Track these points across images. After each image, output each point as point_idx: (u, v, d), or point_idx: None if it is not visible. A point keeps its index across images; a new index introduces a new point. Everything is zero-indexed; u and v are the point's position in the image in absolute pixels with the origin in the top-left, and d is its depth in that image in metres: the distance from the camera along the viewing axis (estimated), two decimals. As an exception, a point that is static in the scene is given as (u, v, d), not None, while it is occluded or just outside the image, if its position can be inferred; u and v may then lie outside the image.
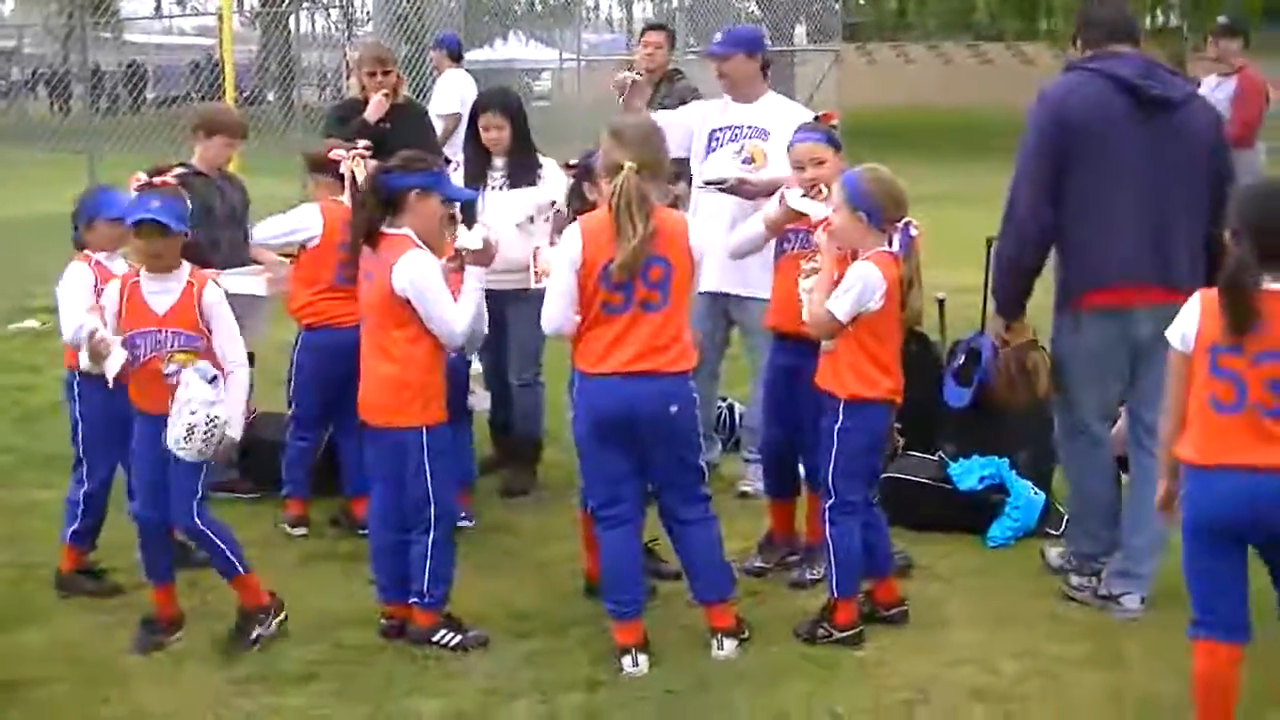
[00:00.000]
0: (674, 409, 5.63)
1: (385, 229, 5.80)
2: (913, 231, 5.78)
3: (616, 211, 5.48)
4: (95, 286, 6.20)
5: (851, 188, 5.84)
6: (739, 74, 7.72)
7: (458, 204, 6.80)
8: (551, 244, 6.80)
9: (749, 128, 7.68)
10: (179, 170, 6.02)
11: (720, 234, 6.83)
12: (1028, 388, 6.44)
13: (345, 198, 7.05)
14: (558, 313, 5.70)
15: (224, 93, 15.41)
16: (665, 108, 10.19)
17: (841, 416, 5.87)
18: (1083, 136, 6.03)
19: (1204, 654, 4.78)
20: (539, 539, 7.27)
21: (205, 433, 5.62)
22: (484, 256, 5.97)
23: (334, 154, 7.13)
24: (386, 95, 8.70)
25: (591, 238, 5.59)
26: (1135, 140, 6.05)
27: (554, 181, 7.69)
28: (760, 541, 6.81)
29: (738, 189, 7.40)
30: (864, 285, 5.72)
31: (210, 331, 5.78)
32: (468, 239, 5.97)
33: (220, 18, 27.58)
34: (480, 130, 7.70)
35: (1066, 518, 7.14)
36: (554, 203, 7.43)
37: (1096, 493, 6.50)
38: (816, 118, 6.74)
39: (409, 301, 5.71)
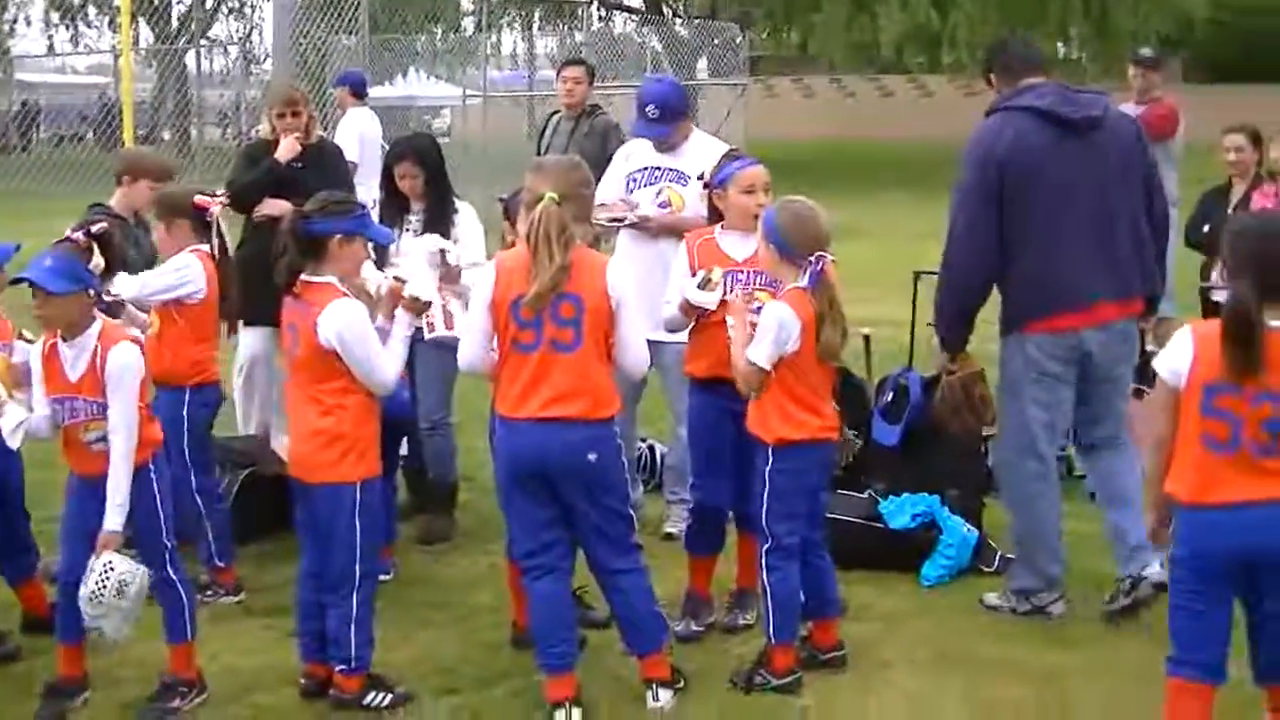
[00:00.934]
0: (593, 457, 5.43)
1: (307, 276, 5.55)
2: (819, 265, 5.63)
3: (534, 241, 5.31)
4: None
5: (767, 221, 5.77)
6: (681, 136, 7.57)
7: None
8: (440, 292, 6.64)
9: (668, 170, 7.56)
10: (100, 224, 5.70)
11: (638, 276, 6.66)
12: (974, 416, 6.51)
13: (209, 247, 6.67)
14: (471, 350, 5.57)
15: (122, 131, 15.09)
16: (587, 143, 10.13)
17: (771, 459, 5.73)
18: (1018, 172, 6.17)
19: (1181, 693, 4.66)
20: (460, 588, 7.04)
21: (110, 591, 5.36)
22: (426, 308, 5.80)
23: (200, 200, 6.76)
24: (298, 137, 8.45)
25: (505, 273, 5.43)
26: (1067, 164, 6.21)
27: (468, 226, 7.54)
28: (683, 604, 6.51)
29: (639, 225, 7.39)
30: (779, 326, 5.59)
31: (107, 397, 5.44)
32: (421, 289, 5.75)
33: (117, 56, 27.16)
34: (396, 178, 7.54)
35: (1000, 555, 7.06)
36: (443, 250, 7.12)
37: (1043, 521, 6.50)
38: (732, 152, 6.64)
39: (337, 353, 5.46)
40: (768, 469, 5.73)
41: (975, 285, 6.32)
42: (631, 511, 5.68)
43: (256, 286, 8.16)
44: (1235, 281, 4.50)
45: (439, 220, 7.49)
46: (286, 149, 8.35)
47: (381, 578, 6.45)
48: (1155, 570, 6.20)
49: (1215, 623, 4.63)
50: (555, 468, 5.42)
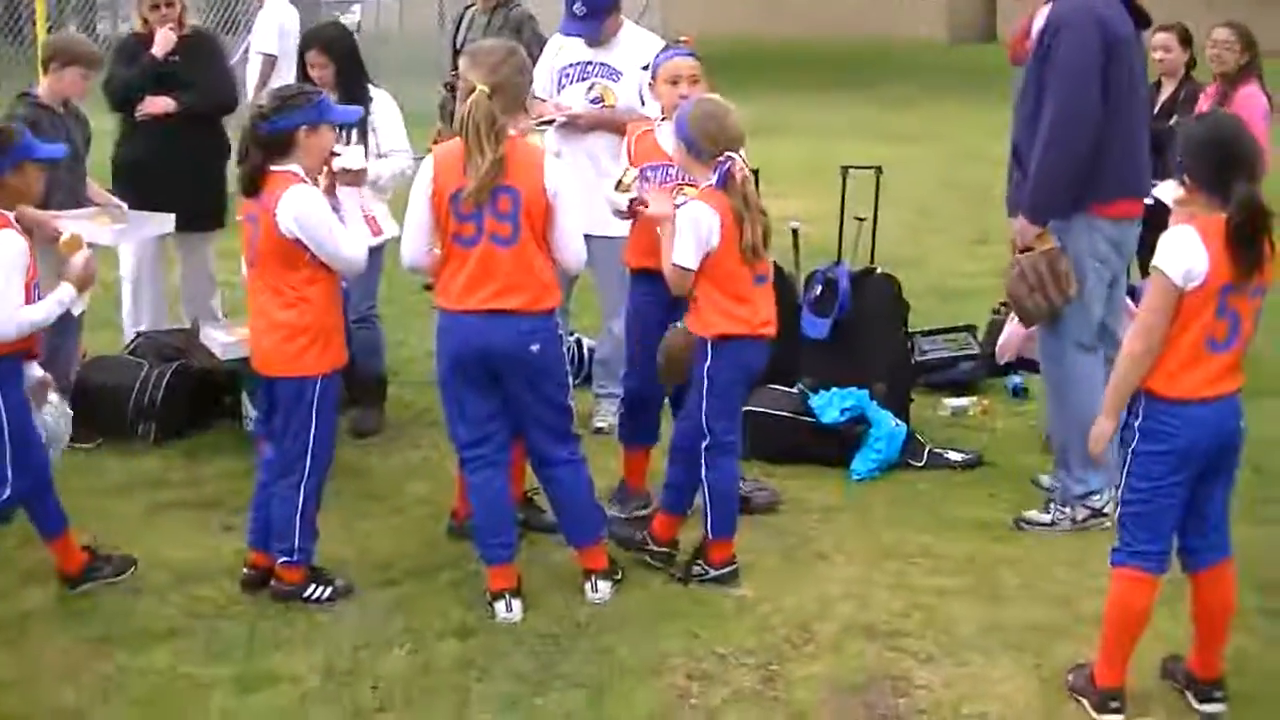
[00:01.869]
0: (535, 348, 5.45)
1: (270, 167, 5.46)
2: (727, 165, 5.62)
3: (465, 135, 5.28)
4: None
5: (679, 118, 5.76)
6: (611, 30, 7.44)
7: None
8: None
9: (600, 65, 7.48)
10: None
11: (575, 171, 6.63)
12: (1059, 293, 6.21)
13: None
14: (413, 246, 5.52)
15: (27, 25, 14.82)
16: (502, 36, 10.02)
17: (710, 356, 5.73)
18: (1115, 50, 6.16)
19: (1135, 584, 4.71)
20: (393, 482, 7.05)
21: None
22: (360, 178, 5.73)
23: None
24: (172, 28, 8.22)
25: (443, 166, 5.41)
26: (1136, 55, 6.37)
27: (385, 113, 7.50)
28: (614, 492, 6.57)
29: (571, 124, 7.34)
30: (695, 225, 5.59)
31: None
32: (351, 159, 5.70)
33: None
34: (307, 68, 7.47)
35: (928, 450, 7.15)
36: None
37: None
38: (677, 41, 6.56)
39: (298, 240, 5.39)
40: (706, 366, 5.73)
41: (1085, 148, 6.11)
42: (571, 403, 5.69)
43: (140, 188, 7.98)
44: (1233, 183, 4.45)
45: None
46: (163, 42, 8.07)
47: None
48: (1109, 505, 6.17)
49: (1176, 514, 4.70)
50: (499, 359, 5.43)
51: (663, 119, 6.26)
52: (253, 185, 5.46)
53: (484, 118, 5.26)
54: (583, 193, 5.99)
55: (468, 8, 11.18)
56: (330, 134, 5.62)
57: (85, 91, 7.38)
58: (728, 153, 5.62)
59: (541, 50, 7.85)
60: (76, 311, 5.76)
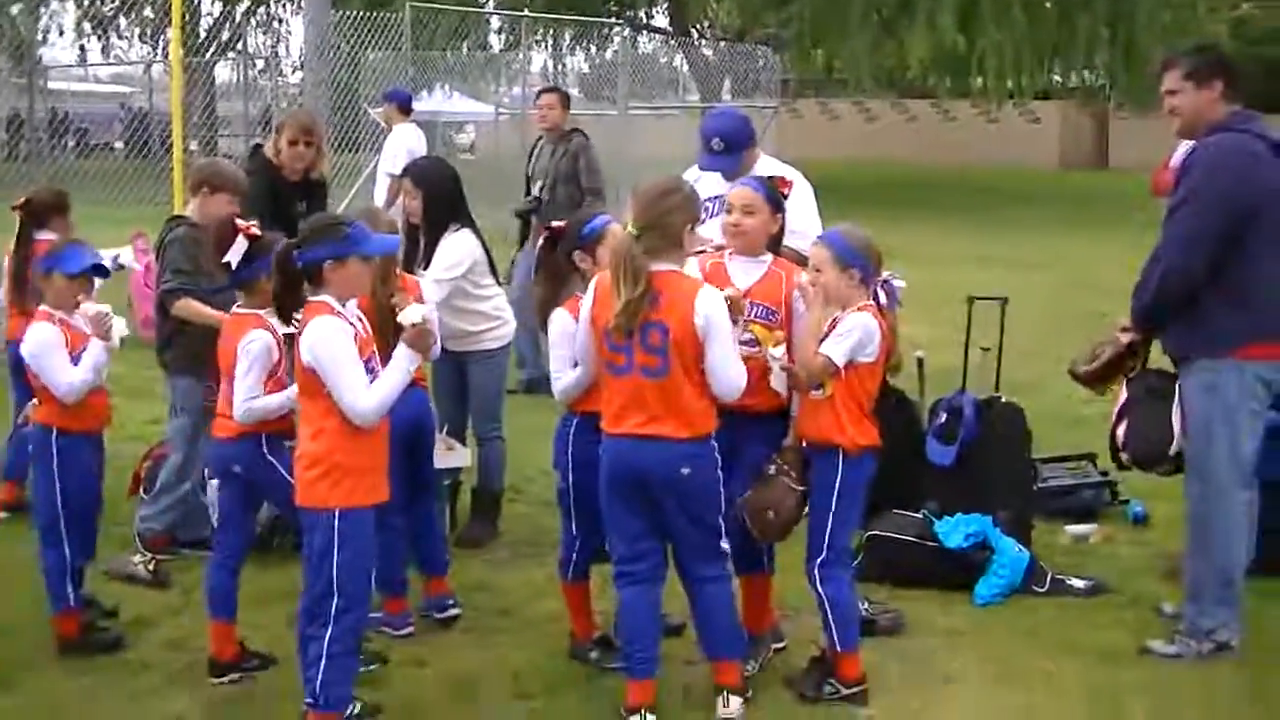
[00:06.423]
0: (686, 471, 5.54)
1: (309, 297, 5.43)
2: (897, 283, 5.81)
3: (611, 273, 5.50)
4: (65, 344, 6.21)
5: (841, 246, 5.84)
6: (748, 165, 7.29)
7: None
8: None
9: None
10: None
11: None
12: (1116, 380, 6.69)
13: None
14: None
15: (160, 141, 15.33)
16: (564, 164, 11.66)
17: (843, 467, 5.80)
18: (1260, 192, 6.25)
19: None
20: (522, 598, 7.16)
21: None
22: (420, 340, 5.51)
23: None
24: (314, 165, 8.42)
25: (600, 296, 5.62)
26: None
27: (444, 249, 7.60)
28: None
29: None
30: (863, 333, 5.72)
31: None
32: (409, 314, 5.52)
33: (147, 66, 27.04)
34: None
35: (1050, 576, 7.20)
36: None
37: (1242, 553, 6.47)
38: (770, 178, 6.57)
39: (315, 371, 5.32)
40: (838, 477, 5.80)
41: (1181, 303, 6.34)
42: (721, 522, 5.73)
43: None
44: None
45: (430, 241, 7.59)
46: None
47: (450, 613, 6.80)
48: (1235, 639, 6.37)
49: None
50: (651, 481, 5.56)
51: (732, 252, 6.22)
52: (283, 316, 5.50)
53: (624, 255, 5.45)
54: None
55: (538, 139, 12.10)
56: (358, 265, 5.40)
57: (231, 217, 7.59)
58: (888, 273, 5.85)
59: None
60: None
